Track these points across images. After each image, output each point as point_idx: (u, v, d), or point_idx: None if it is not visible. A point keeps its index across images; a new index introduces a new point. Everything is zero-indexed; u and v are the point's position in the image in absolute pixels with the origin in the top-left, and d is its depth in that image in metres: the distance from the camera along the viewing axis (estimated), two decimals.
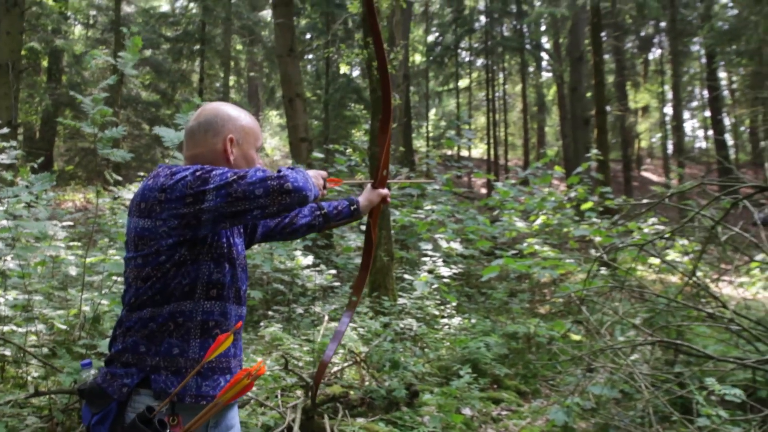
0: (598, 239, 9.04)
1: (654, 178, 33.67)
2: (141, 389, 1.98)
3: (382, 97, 2.67)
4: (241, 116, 2.25)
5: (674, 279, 9.47)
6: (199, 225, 1.94)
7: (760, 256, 6.15)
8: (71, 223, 6.81)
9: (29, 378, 4.50)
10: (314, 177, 2.19)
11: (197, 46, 22.99)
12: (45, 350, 4.63)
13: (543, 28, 31.04)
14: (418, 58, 32.17)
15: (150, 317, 2.01)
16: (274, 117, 34.80)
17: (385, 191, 2.80)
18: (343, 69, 21.79)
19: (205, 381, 2.03)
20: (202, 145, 2.17)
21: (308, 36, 25.12)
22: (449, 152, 29.61)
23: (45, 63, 21.03)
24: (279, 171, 1.96)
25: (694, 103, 36.50)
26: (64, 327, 4.89)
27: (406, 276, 9.07)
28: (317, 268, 8.85)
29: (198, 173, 1.94)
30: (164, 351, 2.00)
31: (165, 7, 27.94)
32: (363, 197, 2.77)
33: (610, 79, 27.31)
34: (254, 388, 5.14)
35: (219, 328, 2.07)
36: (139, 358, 2.00)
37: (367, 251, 2.84)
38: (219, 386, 2.06)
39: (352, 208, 2.74)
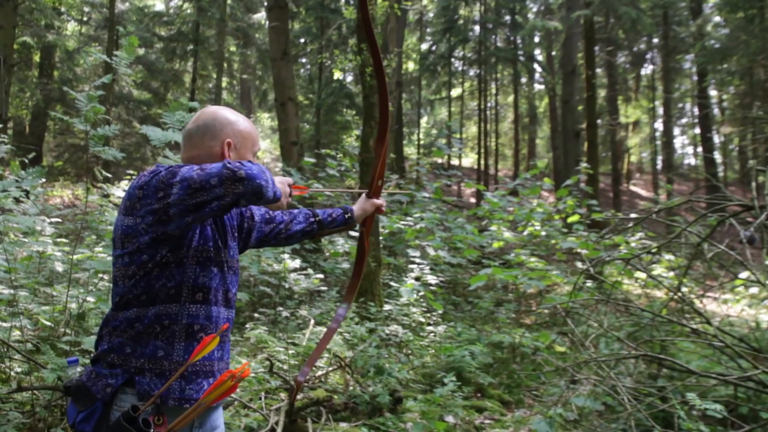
0: (585, 252, 9.07)
1: (643, 192, 33.82)
2: (126, 389, 1.99)
3: (379, 107, 2.69)
4: (239, 121, 2.26)
5: (660, 294, 9.51)
6: (168, 220, 1.94)
7: (744, 274, 6.19)
8: (59, 220, 6.78)
9: (12, 373, 4.48)
10: (279, 183, 2.21)
11: (191, 47, 22.97)
12: (29, 346, 4.61)
13: (536, 40, 31.18)
14: (411, 66, 32.24)
15: (136, 317, 2.02)
16: (266, 120, 34.77)
17: (379, 201, 2.83)
18: (337, 74, 21.79)
19: (188, 384, 2.05)
20: (199, 148, 2.18)
21: (302, 40, 25.13)
22: (440, 160, 29.67)
23: (37, 58, 20.93)
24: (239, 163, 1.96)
25: (684, 120, 36.71)
26: (48, 323, 4.87)
27: (392, 283, 9.07)
28: (304, 272, 8.84)
29: (170, 168, 1.96)
30: (149, 353, 2.01)
31: (159, 6, 27.91)
32: (357, 206, 2.80)
33: (602, 93, 27.45)
34: (238, 390, 5.13)
35: (204, 332, 2.08)
36: (125, 359, 2.01)
37: (359, 259, 2.85)
38: (202, 389, 2.07)
39: (346, 216, 2.75)
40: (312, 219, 2.70)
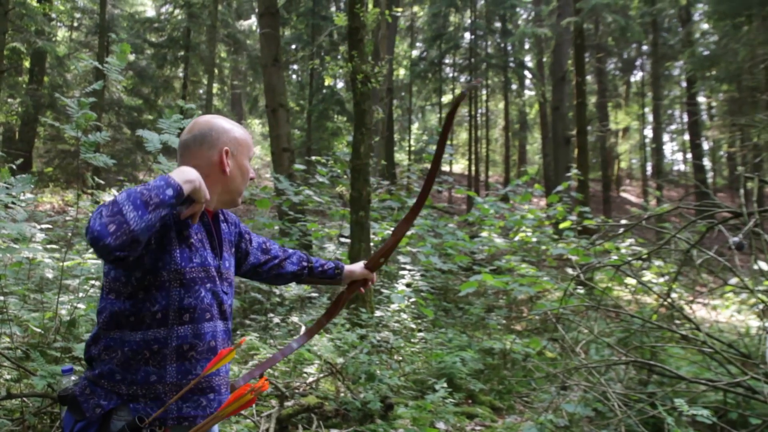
0: (575, 258, 9.11)
1: (633, 199, 33.96)
2: (119, 412, 1.99)
3: (420, 196, 2.69)
4: (234, 128, 2.26)
5: (650, 300, 9.56)
6: None
7: (734, 280, 6.23)
8: (49, 226, 6.76)
9: (1, 380, 4.46)
10: (182, 179, 1.91)
11: (182, 53, 22.96)
12: (19, 353, 4.59)
13: (527, 47, 31.32)
14: (402, 73, 32.31)
15: (122, 340, 2.01)
16: (257, 126, 34.77)
17: (371, 275, 2.83)
18: (328, 81, 21.82)
19: (185, 403, 2.06)
20: (197, 158, 2.17)
21: (293, 46, 25.18)
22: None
23: (27, 64, 20.87)
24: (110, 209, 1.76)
25: (674, 126, 36.89)
26: (38, 330, 4.85)
27: (383, 289, 9.08)
28: None
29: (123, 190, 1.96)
30: (141, 379, 2.00)
31: (150, 12, 27.88)
32: (350, 267, 2.79)
33: (592, 99, 27.59)
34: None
35: (194, 350, 2.07)
36: (115, 385, 2.00)
37: (332, 309, 2.82)
38: (200, 406, 2.08)
39: (336, 271, 2.76)
40: (305, 264, 2.72)
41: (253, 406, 4.99)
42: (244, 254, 2.55)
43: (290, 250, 2.74)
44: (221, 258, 2.25)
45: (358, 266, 2.80)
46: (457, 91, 33.42)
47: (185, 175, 1.91)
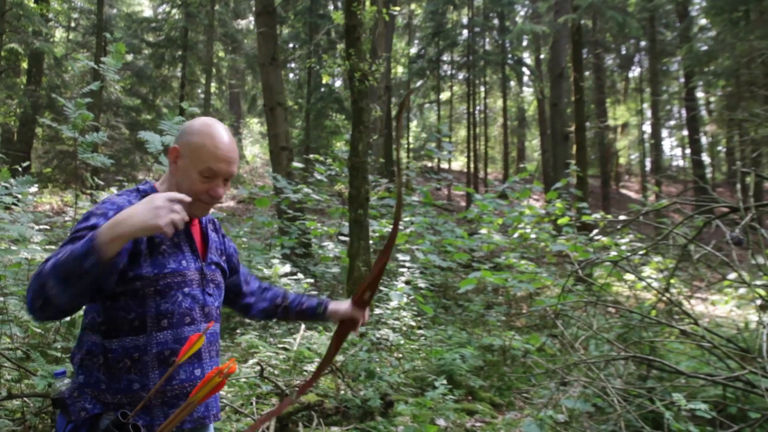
0: (574, 254, 9.11)
1: (632, 195, 33.98)
2: (104, 417, 1.98)
3: (389, 239, 2.48)
4: (201, 136, 2.12)
5: (649, 295, 9.57)
6: None
7: (732, 275, 6.24)
8: (48, 227, 6.76)
9: (2, 381, 4.47)
10: (148, 211, 1.75)
11: (179, 53, 22.95)
12: (19, 353, 4.60)
13: (524, 43, 31.31)
14: (400, 70, 32.31)
15: (102, 347, 2.02)
16: (256, 125, 34.78)
17: (360, 314, 2.61)
18: (325, 79, 21.83)
19: (171, 409, 2.04)
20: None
21: (291, 45, 25.18)
22: (429, 164, 29.73)
23: (25, 65, 20.85)
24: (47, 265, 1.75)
25: (672, 122, 36.87)
26: (38, 330, 4.86)
27: (383, 287, 9.09)
28: (294, 277, 8.84)
29: (78, 223, 1.98)
30: (124, 388, 2.00)
31: (148, 12, 27.86)
32: (335, 305, 2.64)
33: (590, 95, 27.59)
34: (230, 396, 5.13)
35: (176, 355, 2.04)
36: (100, 394, 2.01)
37: (326, 358, 2.64)
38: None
39: (318, 311, 2.64)
40: (278, 302, 2.63)
41: (254, 404, 5.00)
42: (232, 269, 2.49)
43: (270, 287, 2.67)
44: (205, 260, 2.23)
45: (345, 303, 2.63)
46: (456, 88, 33.45)
47: (115, 230, 1.71)
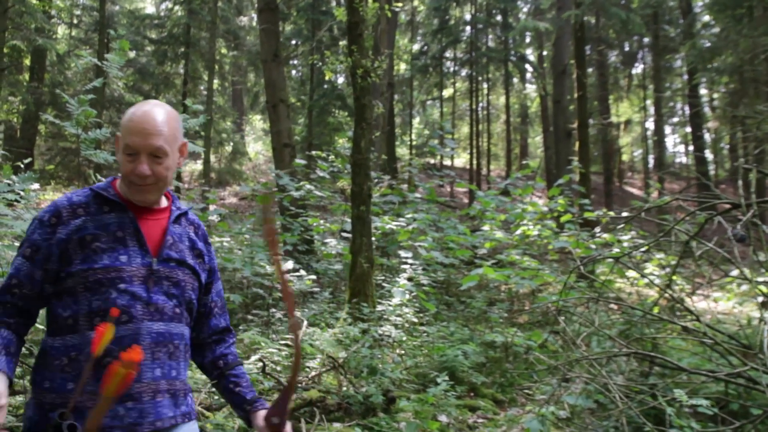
0: (576, 251, 9.11)
1: (635, 191, 33.95)
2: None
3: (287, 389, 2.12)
4: (129, 114, 2.10)
5: (651, 292, 9.57)
6: None
7: (735, 272, 6.24)
8: None
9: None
10: None
11: (182, 49, 22.95)
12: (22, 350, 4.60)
13: (527, 40, 31.27)
14: (402, 67, 32.28)
15: (47, 346, 2.04)
16: (258, 122, 34.79)
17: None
18: (328, 76, 21.82)
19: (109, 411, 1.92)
20: None
21: (293, 42, 25.16)
22: (432, 161, 29.72)
23: (27, 62, 20.88)
24: None
25: (676, 119, 36.83)
26: (42, 327, 4.86)
27: (385, 283, 9.10)
28: (297, 274, 8.86)
29: (27, 228, 2.09)
30: (59, 388, 1.97)
31: (150, 9, 27.88)
32: (263, 415, 2.17)
33: (593, 92, 27.56)
34: None
35: (110, 356, 1.89)
36: (42, 394, 2.00)
37: None
38: (117, 416, 1.94)
39: (245, 406, 2.27)
40: (220, 364, 2.36)
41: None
42: (207, 287, 2.34)
43: (230, 345, 2.42)
44: (158, 256, 2.11)
45: (262, 420, 2.15)
46: (458, 85, 33.42)
47: None
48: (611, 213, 11.74)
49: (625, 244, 9.73)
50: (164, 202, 2.24)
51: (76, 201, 2.10)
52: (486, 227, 11.25)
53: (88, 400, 1.90)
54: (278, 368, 5.87)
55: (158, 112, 2.09)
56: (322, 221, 11.85)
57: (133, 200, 2.13)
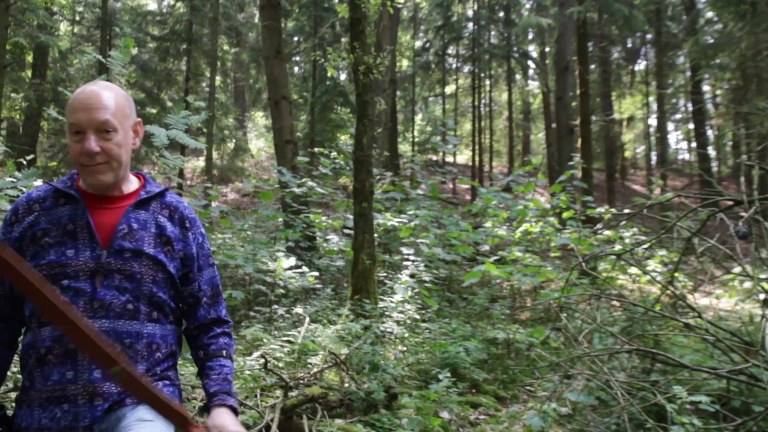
0: (578, 247, 9.11)
1: (638, 188, 33.91)
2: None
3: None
4: (73, 96, 2.01)
5: (653, 289, 9.57)
6: None
7: (737, 269, 6.24)
8: None
9: (8, 373, 4.49)
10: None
11: (184, 46, 22.94)
12: None
13: (530, 36, 31.22)
14: (405, 64, 32.26)
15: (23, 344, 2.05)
16: (260, 118, 34.79)
17: None
18: (330, 72, 21.81)
19: (44, 412, 1.91)
20: None
21: (296, 38, 25.14)
22: (434, 158, 29.71)
23: (30, 58, 20.88)
24: None
25: (678, 115, 36.79)
26: None
27: (387, 280, 9.10)
28: (299, 270, 8.87)
29: None
30: (23, 386, 1.99)
31: (152, 6, 27.88)
32: (214, 415, 2.04)
33: (596, 89, 27.52)
34: (234, 388, 5.15)
35: (51, 354, 1.91)
36: (20, 394, 2.02)
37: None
38: (54, 417, 1.89)
39: (207, 400, 2.13)
40: (200, 358, 2.22)
41: (258, 396, 5.02)
42: (185, 276, 2.18)
43: (212, 338, 2.23)
44: (109, 248, 1.98)
45: (217, 419, 2.01)
46: (461, 82, 33.39)
47: None
48: (613, 210, 11.73)
49: (628, 241, 9.72)
50: (131, 187, 2.14)
51: (34, 197, 2.06)
52: (488, 224, 11.25)
53: (36, 401, 1.92)
54: (280, 364, 5.89)
55: (103, 88, 2.01)
56: (324, 218, 11.86)
57: (89, 186, 2.04)
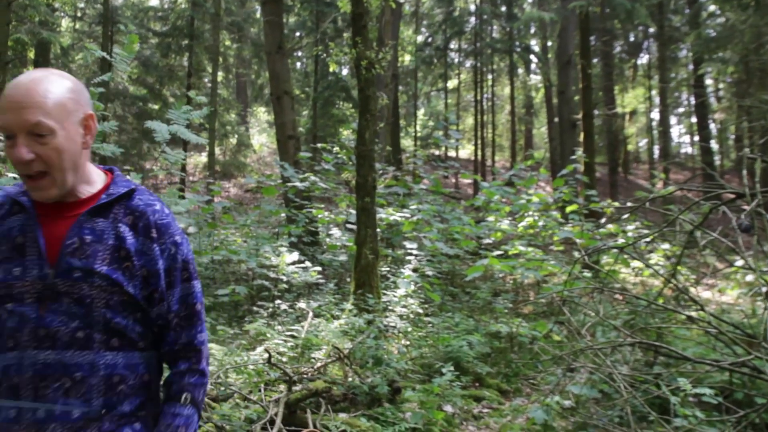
0: (581, 241, 9.11)
1: (640, 182, 33.88)
2: None
3: None
4: (5, 90, 1.65)
5: (656, 282, 9.57)
6: None
7: (739, 262, 6.24)
8: None
9: None
10: None
11: (186, 42, 22.94)
12: None
13: (532, 31, 31.17)
14: (407, 58, 32.23)
15: None
16: (263, 114, 34.77)
17: None
18: (332, 67, 21.81)
19: None
20: None
21: (297, 33, 25.12)
22: (437, 152, 29.70)
23: (32, 55, 20.89)
24: None
25: (681, 109, 36.74)
26: None
27: (390, 275, 9.12)
28: (302, 265, 8.89)
29: None
30: None
31: (154, 1, 27.88)
32: None
33: (598, 83, 27.48)
34: (238, 382, 5.18)
35: None
36: None
37: None
38: None
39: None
40: (163, 392, 1.84)
41: (262, 390, 5.04)
42: (150, 297, 1.78)
43: (176, 375, 1.82)
44: (57, 266, 1.65)
45: None
46: (463, 76, 33.36)
47: None
48: (616, 203, 11.73)
49: (630, 235, 9.73)
50: (92, 189, 1.78)
51: None
52: (491, 218, 11.25)
53: None
54: (284, 359, 5.91)
55: (38, 80, 1.64)
56: (326, 213, 11.87)
57: (36, 197, 1.70)
